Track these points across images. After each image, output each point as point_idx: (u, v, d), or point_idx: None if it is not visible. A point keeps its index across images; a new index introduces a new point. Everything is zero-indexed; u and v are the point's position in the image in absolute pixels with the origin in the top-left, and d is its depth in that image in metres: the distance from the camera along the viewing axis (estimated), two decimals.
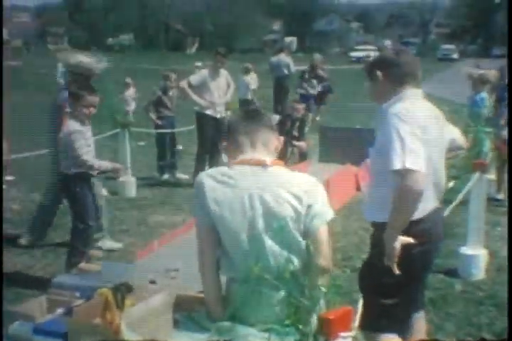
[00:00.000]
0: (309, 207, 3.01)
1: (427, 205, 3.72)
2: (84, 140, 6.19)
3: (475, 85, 10.52)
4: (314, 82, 18.27)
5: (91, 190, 6.36)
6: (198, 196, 3.11)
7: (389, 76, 3.87)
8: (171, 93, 11.74)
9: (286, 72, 18.80)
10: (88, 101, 6.21)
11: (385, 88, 3.89)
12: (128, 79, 17.26)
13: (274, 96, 19.43)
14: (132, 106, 16.61)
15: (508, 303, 4.84)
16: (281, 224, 2.97)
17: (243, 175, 3.05)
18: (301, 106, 11.94)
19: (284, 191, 3.00)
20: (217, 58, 10.64)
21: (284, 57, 19.20)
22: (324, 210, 3.06)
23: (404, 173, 3.48)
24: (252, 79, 18.53)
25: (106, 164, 6.41)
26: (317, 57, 19.85)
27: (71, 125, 6.19)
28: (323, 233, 3.04)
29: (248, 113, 3.35)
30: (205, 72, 10.78)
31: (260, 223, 2.99)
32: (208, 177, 3.12)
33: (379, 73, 3.89)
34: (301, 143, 11.55)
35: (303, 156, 11.79)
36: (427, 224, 3.77)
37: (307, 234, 3.02)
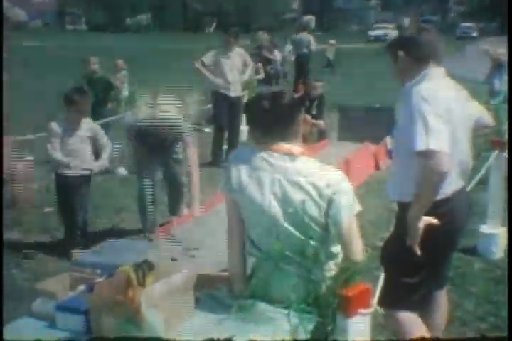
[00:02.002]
0: (332, 200, 3.00)
1: (451, 185, 3.70)
2: (62, 142, 6.35)
3: (495, 62, 10.47)
4: (259, 65, 15.04)
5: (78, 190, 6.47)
6: (226, 173, 3.16)
7: (411, 55, 3.82)
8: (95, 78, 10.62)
9: (306, 50, 18.76)
10: (79, 106, 6.37)
11: (407, 68, 3.85)
12: (119, 61, 15.21)
13: (295, 75, 19.37)
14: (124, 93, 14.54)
15: (508, 302, 4.83)
16: (294, 210, 3.00)
17: (270, 160, 3.06)
18: (319, 84, 11.93)
19: (304, 180, 3.00)
20: (223, 38, 10.66)
21: (305, 36, 19.15)
22: (348, 204, 3.03)
23: (427, 154, 3.47)
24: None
25: (65, 160, 6.40)
26: (261, 36, 17.10)
27: (53, 125, 6.39)
28: (347, 227, 3.02)
29: (274, 95, 3.17)
30: (218, 50, 10.74)
31: (276, 206, 3.02)
32: (237, 158, 3.17)
33: (401, 53, 3.84)
34: (320, 122, 11.53)
35: (322, 135, 11.78)
36: (452, 204, 3.76)
37: (333, 226, 3.02)
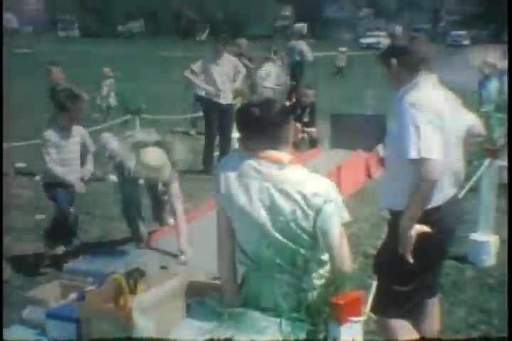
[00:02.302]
0: (320, 209, 2.99)
1: (443, 194, 3.71)
2: (58, 151, 6.24)
3: (482, 71, 10.51)
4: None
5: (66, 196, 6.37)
6: (216, 181, 3.16)
7: (404, 63, 3.85)
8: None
9: (298, 58, 18.66)
10: (72, 111, 6.27)
11: (399, 75, 3.88)
12: (106, 69, 15.37)
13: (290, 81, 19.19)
14: (111, 100, 14.64)
15: (508, 302, 4.84)
16: (283, 219, 2.99)
17: (259, 168, 3.05)
18: (311, 92, 11.94)
19: (292, 189, 2.99)
20: (213, 45, 10.67)
21: (297, 44, 19.01)
22: (337, 213, 3.03)
23: (420, 162, 3.48)
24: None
25: (67, 177, 6.27)
26: (242, 43, 15.79)
27: (46, 133, 6.25)
28: (336, 236, 3.00)
29: (264, 103, 3.18)
30: (207, 58, 10.73)
31: (265, 215, 3.01)
32: (226, 165, 3.17)
33: (394, 61, 3.87)
34: (312, 129, 11.55)
35: (313, 142, 11.79)
36: (444, 213, 3.77)
37: (322, 236, 3.01)
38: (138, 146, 6.17)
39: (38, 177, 9.89)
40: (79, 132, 6.46)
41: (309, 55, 18.82)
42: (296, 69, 18.79)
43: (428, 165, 3.47)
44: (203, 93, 11.07)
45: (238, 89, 11.25)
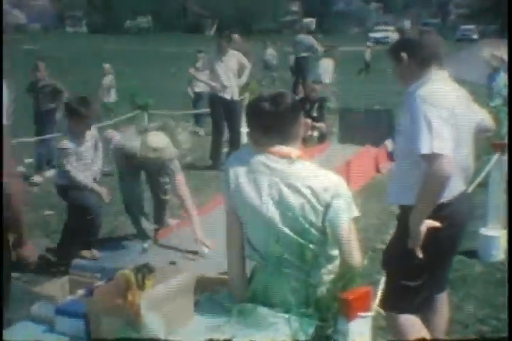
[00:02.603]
0: (329, 204, 2.98)
1: (454, 189, 3.68)
2: (77, 157, 6.25)
3: (490, 64, 10.49)
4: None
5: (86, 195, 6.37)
6: (225, 176, 3.15)
7: (414, 57, 3.82)
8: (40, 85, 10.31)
9: (305, 53, 18.73)
10: (86, 117, 6.26)
11: (411, 70, 3.84)
12: (106, 65, 14.96)
13: (293, 77, 19.55)
14: (112, 97, 14.48)
15: (508, 304, 4.82)
16: (292, 214, 2.98)
17: (268, 163, 3.04)
18: (318, 87, 11.92)
19: (301, 184, 2.98)
20: (217, 42, 10.74)
21: (306, 38, 19.06)
22: (346, 208, 3.01)
23: (431, 158, 3.46)
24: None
25: (94, 186, 6.35)
26: (236, 39, 14.39)
27: (63, 143, 6.27)
28: (345, 231, 2.98)
29: (275, 97, 3.12)
30: (212, 55, 10.78)
31: (274, 210, 3.01)
32: (236, 160, 3.15)
33: (404, 55, 3.84)
34: (321, 124, 11.53)
35: (322, 137, 11.77)
36: (454, 208, 3.74)
37: (331, 231, 3.00)
38: (141, 131, 6.32)
39: (33, 178, 9.94)
40: (91, 134, 6.46)
41: (318, 49, 18.83)
42: (302, 64, 18.80)
43: (440, 161, 3.44)
44: (202, 90, 11.08)
45: (245, 84, 11.28)
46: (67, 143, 6.22)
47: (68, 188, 6.35)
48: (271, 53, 21.92)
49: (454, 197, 3.72)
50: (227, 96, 10.63)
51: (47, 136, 9.83)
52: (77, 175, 6.20)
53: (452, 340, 4.53)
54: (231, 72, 10.64)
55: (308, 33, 20.07)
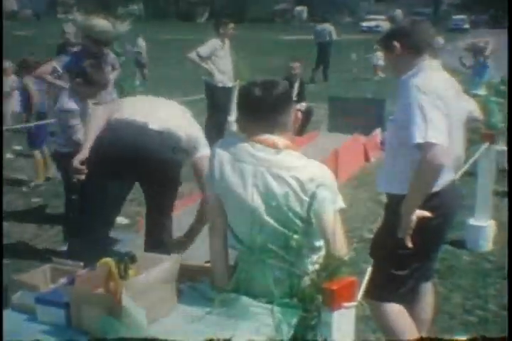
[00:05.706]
0: (314, 195, 2.93)
1: (443, 179, 3.66)
2: (80, 119, 5.83)
3: (473, 54, 10.56)
4: None
5: None
6: (210, 164, 3.12)
7: (407, 46, 3.80)
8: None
9: (328, 38, 21.62)
10: (97, 83, 5.93)
11: (403, 59, 3.83)
12: None
13: (316, 62, 21.75)
14: None
15: (508, 302, 4.82)
16: (277, 204, 2.95)
17: (254, 153, 3.00)
18: (297, 65, 11.58)
19: (286, 174, 2.94)
20: (220, 30, 10.84)
21: (326, 26, 22.14)
22: (331, 198, 2.97)
23: (425, 147, 3.44)
24: None
25: None
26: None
27: (67, 103, 5.87)
28: (330, 222, 2.93)
29: (266, 84, 3.07)
30: (215, 42, 10.77)
31: (258, 199, 2.97)
32: (221, 148, 3.10)
33: (396, 44, 3.81)
34: (303, 104, 11.27)
35: (309, 115, 11.31)
36: (443, 197, 3.74)
37: (316, 220, 2.97)
38: None
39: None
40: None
41: (335, 37, 22.09)
42: (326, 49, 21.74)
43: (434, 150, 3.42)
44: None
45: (240, 71, 11.44)
46: (73, 104, 5.85)
47: (71, 156, 5.26)
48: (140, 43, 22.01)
49: (442, 186, 3.71)
50: (227, 84, 10.87)
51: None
52: (81, 140, 5.50)
53: (452, 339, 4.52)
54: (228, 59, 10.94)
55: (323, 21, 23.18)
